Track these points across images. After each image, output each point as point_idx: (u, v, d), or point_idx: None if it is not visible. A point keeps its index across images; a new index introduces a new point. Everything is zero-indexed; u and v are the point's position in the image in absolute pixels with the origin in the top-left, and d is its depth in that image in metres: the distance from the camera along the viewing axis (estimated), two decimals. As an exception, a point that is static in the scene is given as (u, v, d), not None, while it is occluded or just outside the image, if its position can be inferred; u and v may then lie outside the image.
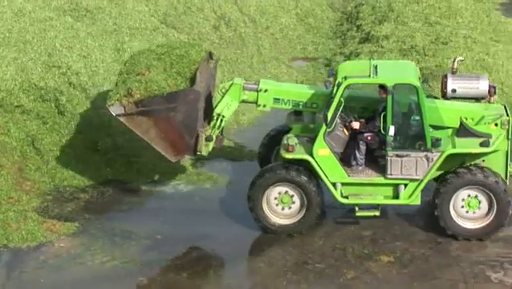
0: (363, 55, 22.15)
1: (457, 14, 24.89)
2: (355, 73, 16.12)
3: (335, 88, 15.95)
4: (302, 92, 17.12)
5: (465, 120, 16.15)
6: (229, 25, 24.02)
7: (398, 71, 16.48)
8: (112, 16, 21.59)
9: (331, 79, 16.77)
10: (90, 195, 17.91)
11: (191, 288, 15.05)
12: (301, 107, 16.99)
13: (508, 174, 16.31)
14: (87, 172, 18.44)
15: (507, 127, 16.14)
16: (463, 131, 16.09)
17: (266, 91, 16.89)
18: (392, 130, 15.89)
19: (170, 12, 23.19)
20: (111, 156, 18.65)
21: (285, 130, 17.32)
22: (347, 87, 15.84)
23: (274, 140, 17.64)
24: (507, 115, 16.28)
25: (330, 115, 15.73)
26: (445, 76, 16.63)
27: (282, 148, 16.41)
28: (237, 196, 17.71)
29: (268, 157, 17.75)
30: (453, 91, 16.48)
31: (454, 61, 16.88)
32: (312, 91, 17.02)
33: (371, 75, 15.99)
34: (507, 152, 16.21)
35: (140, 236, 16.55)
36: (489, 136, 15.99)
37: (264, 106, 17.03)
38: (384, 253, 15.91)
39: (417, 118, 15.96)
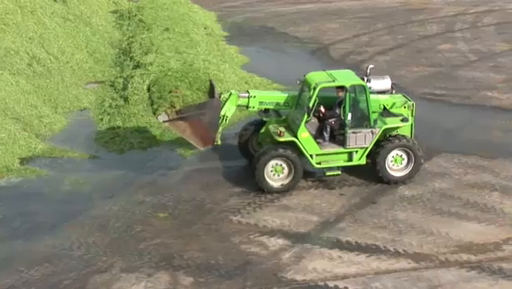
0: (136, 77, 21.72)
1: (197, 45, 25.03)
2: (322, 80, 16.26)
3: (312, 91, 15.99)
4: (278, 96, 17.01)
5: (384, 106, 16.82)
6: (39, 62, 22.95)
7: (349, 77, 16.70)
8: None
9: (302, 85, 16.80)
10: None
11: (27, 251, 14.39)
12: (278, 106, 16.85)
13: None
14: None
15: (412, 108, 16.97)
16: (386, 113, 16.71)
17: (254, 97, 16.65)
18: (349, 116, 16.20)
19: (-6, 56, 22.03)
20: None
21: (258, 123, 17.24)
22: (321, 89, 16.03)
23: (250, 131, 17.39)
24: (409, 100, 17.08)
25: (311, 108, 15.93)
26: (362, 79, 16.79)
27: (273, 134, 16.34)
28: (56, 182, 17.10)
29: (246, 144, 17.42)
30: (369, 88, 16.71)
31: (367, 68, 17.19)
32: (285, 95, 16.96)
33: (335, 80, 16.26)
34: (412, 124, 16.93)
35: (-15, 217, 15.64)
36: (402, 115, 16.77)
37: (253, 107, 16.78)
38: (160, 211, 15.78)
39: (364, 106, 16.28)
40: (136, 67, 23.17)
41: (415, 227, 14.92)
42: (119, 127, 19.72)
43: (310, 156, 16.37)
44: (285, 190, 16.32)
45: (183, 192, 16.56)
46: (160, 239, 14.66)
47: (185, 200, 16.22)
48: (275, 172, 16.31)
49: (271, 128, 16.66)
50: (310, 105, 16.00)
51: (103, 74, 24.11)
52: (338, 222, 15.19)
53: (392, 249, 14.19)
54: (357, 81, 16.38)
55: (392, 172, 16.63)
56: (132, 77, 21.87)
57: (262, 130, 17.09)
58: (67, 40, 24.98)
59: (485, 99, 21.60)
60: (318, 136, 16.55)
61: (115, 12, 29.61)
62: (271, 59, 25.81)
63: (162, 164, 17.96)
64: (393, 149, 16.50)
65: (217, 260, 13.95)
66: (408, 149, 16.58)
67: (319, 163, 16.52)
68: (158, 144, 18.95)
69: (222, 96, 16.61)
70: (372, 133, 16.37)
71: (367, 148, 16.46)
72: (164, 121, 16.21)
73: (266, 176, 16.22)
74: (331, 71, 16.81)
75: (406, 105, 16.99)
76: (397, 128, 16.72)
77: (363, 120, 16.40)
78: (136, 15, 28.43)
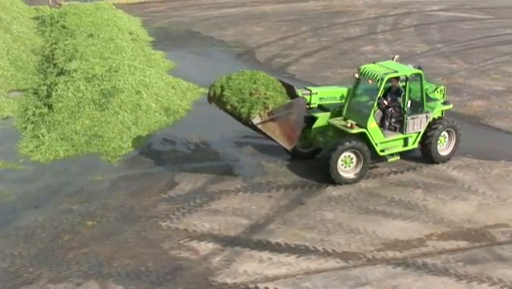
0: (60, 84, 21.29)
1: (122, 50, 24.82)
2: (384, 71, 16.72)
3: (379, 82, 16.48)
4: (335, 91, 17.42)
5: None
6: (-41, 70, 22.40)
7: (403, 67, 17.31)
8: None
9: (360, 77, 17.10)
10: None
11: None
12: (335, 100, 17.27)
13: None
14: None
15: (443, 92, 17.95)
16: (426, 98, 17.31)
17: (316, 93, 17.01)
18: (409, 103, 16.96)
19: None
20: None
21: (305, 120, 17.29)
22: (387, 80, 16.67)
23: None
24: (439, 85, 18.09)
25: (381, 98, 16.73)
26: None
27: (342, 128, 16.76)
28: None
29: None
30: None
31: (393, 59, 17.79)
32: (342, 89, 17.42)
33: (397, 71, 16.88)
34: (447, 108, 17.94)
35: None
36: (438, 99, 17.74)
37: (314, 104, 17.11)
38: (88, 219, 15.52)
39: (419, 93, 17.09)
40: (60, 73, 22.76)
41: (343, 226, 15.17)
42: (43, 135, 19.33)
43: (376, 144, 16.91)
44: (357, 180, 16.76)
45: (111, 199, 16.37)
46: (89, 248, 14.44)
47: (114, 207, 16.03)
48: (345, 164, 16.68)
49: (335, 122, 17.11)
50: (380, 95, 16.67)
51: (26, 82, 23.64)
52: (267, 224, 15.29)
53: (320, 249, 14.38)
54: (415, 70, 17.14)
55: (439, 152, 17.59)
56: (56, 84, 21.46)
57: (315, 125, 17.44)
58: (-13, 48, 24.42)
59: (407, 99, 22.16)
60: (380, 124, 17.13)
61: (36, 18, 29.09)
62: (198, 63, 25.82)
63: (89, 171, 17.70)
64: (444, 130, 17.46)
65: (146, 267, 13.83)
66: (452, 129, 17.62)
67: (383, 150, 17.12)
68: (84, 151, 18.68)
69: None
70: (426, 118, 17.26)
71: (420, 132, 17.28)
72: (258, 123, 16.13)
73: (337, 167, 16.57)
74: (381, 63, 17.44)
75: (438, 90, 17.94)
76: (441, 111, 17.74)
77: (418, 106, 17.15)
78: (58, 21, 27.99)
